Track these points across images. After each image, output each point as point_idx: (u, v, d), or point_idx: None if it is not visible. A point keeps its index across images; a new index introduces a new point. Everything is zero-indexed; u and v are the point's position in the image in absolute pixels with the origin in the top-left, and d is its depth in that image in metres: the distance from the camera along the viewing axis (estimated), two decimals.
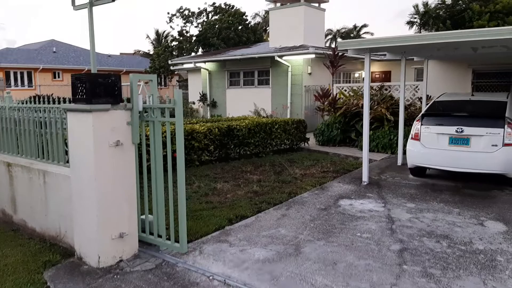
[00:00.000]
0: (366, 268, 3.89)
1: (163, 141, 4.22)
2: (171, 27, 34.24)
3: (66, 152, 4.58)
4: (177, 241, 4.23)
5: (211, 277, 3.75)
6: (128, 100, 4.12)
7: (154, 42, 40.30)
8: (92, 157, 3.82)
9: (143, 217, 4.50)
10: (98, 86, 3.79)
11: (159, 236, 4.36)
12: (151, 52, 37.98)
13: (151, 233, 4.44)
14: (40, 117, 4.87)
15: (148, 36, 40.97)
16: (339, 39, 45.38)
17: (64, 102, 4.85)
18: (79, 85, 3.83)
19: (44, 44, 33.83)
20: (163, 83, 34.73)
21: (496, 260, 4.02)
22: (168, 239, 4.29)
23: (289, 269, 3.89)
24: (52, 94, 15.86)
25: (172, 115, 3.94)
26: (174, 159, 4.16)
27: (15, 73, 28.60)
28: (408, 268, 3.87)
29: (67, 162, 4.58)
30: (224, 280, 3.69)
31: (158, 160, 4.22)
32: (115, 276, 3.82)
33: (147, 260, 4.15)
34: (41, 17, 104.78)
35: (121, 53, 42.93)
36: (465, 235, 4.69)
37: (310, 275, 3.76)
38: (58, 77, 30.58)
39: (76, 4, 4.40)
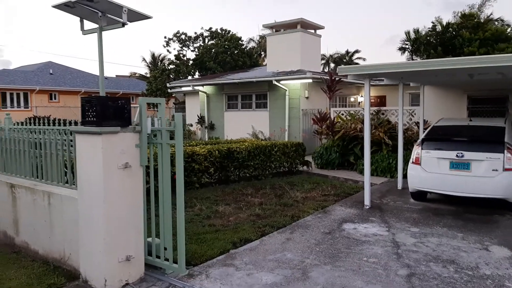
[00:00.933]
0: None
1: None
2: (168, 50, 34.66)
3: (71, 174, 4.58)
4: (175, 262, 4.19)
5: None
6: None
7: (150, 65, 40.67)
8: (101, 179, 3.82)
9: (149, 239, 4.46)
10: (108, 109, 3.83)
11: (166, 259, 4.31)
12: (148, 75, 38.33)
13: (157, 256, 4.39)
14: (46, 139, 4.87)
15: (144, 59, 41.22)
16: (332, 64, 46.25)
17: (64, 124, 4.90)
18: (89, 108, 3.86)
19: (41, 65, 33.96)
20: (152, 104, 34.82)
21: (505, 285, 4.02)
22: (175, 262, 4.24)
23: None
24: (49, 116, 15.84)
25: (173, 137, 3.98)
26: (173, 181, 4.17)
27: (11, 94, 28.56)
28: None
29: (73, 184, 4.58)
30: None
31: (166, 182, 4.22)
32: None
33: (153, 283, 4.10)
34: (37, 38, 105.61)
35: (117, 75, 43.19)
36: (471, 260, 4.69)
37: None
38: (55, 98, 30.59)
39: (85, 29, 4.48)
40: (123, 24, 4.05)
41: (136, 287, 4.02)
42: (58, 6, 4.01)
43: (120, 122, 3.86)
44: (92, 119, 3.77)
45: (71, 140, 4.49)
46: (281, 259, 4.72)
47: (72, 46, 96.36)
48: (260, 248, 5.13)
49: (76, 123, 5.01)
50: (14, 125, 5.91)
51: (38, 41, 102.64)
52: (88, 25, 4.41)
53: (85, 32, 4.40)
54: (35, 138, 5.05)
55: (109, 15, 4.11)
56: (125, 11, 3.93)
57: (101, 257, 3.92)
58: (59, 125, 4.92)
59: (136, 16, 4.13)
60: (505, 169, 6.36)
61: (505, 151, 6.42)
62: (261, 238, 5.50)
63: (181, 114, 4.14)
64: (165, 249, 4.31)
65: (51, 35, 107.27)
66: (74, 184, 4.54)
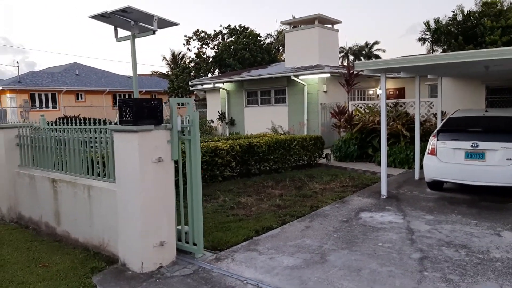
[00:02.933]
0: (388, 274, 4.18)
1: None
2: (188, 49, 35.21)
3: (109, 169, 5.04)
4: (206, 247, 4.60)
5: (244, 281, 4.09)
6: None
7: (170, 63, 41.48)
8: (138, 172, 4.25)
9: (179, 227, 4.88)
10: (142, 109, 4.25)
11: (194, 244, 4.73)
12: (169, 73, 39.11)
13: (186, 242, 4.81)
14: (85, 137, 5.35)
15: (164, 58, 42.11)
16: (351, 57, 45.97)
17: (94, 123, 5.41)
18: (125, 108, 4.29)
19: (67, 67, 35.15)
20: (180, 103, 35.49)
21: None
22: (206, 248, 4.64)
23: (316, 275, 4.20)
24: (79, 115, 16.59)
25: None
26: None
27: (39, 95, 29.76)
28: (429, 274, 4.15)
29: (110, 177, 5.04)
30: (257, 284, 4.02)
31: (194, 174, 4.63)
32: (157, 280, 4.19)
33: (184, 266, 4.52)
34: (59, 40, 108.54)
35: (138, 74, 44.21)
36: (483, 244, 4.93)
37: (337, 280, 4.07)
38: (81, 98, 31.68)
39: (119, 37, 4.92)
40: (154, 32, 4.47)
41: (169, 270, 4.45)
42: (94, 17, 4.44)
43: (153, 120, 4.28)
44: (129, 118, 4.20)
45: (108, 138, 4.94)
46: (300, 245, 5.08)
47: (93, 47, 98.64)
48: (281, 235, 5.49)
49: (105, 122, 5.47)
50: (48, 125, 6.45)
51: (60, 43, 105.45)
52: (122, 33, 4.84)
53: (119, 39, 4.84)
54: (75, 137, 5.54)
55: (140, 24, 4.52)
56: (155, 19, 4.33)
57: (138, 243, 4.37)
58: (89, 124, 5.42)
59: (165, 23, 4.52)
60: None
61: None
62: (281, 226, 5.87)
63: (197, 112, 4.55)
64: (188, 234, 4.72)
65: (73, 37, 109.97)
66: (111, 178, 5.00)
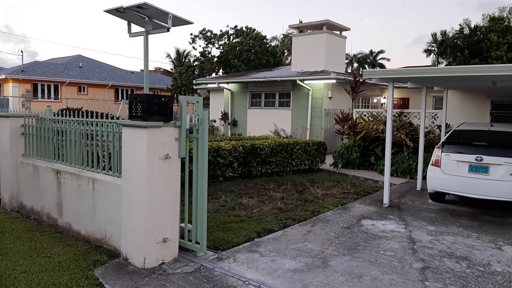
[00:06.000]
0: (390, 282, 4.18)
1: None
2: (193, 47, 35.30)
3: (115, 163, 5.05)
4: (197, 242, 4.60)
5: (246, 282, 4.09)
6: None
7: (174, 60, 41.54)
8: (145, 168, 4.25)
9: (182, 225, 4.88)
10: (152, 105, 4.25)
11: (197, 243, 4.73)
12: (172, 71, 39.14)
13: (189, 240, 4.81)
14: (92, 130, 5.35)
15: (169, 55, 42.17)
16: (355, 64, 46.07)
17: (96, 116, 5.43)
18: (136, 103, 4.30)
19: (71, 59, 35.17)
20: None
21: None
22: (207, 246, 4.64)
23: (318, 279, 4.20)
24: (81, 108, 16.58)
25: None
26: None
27: (42, 86, 29.75)
28: (430, 284, 4.15)
29: (116, 171, 5.04)
30: (259, 285, 4.02)
31: (201, 173, 4.63)
32: (159, 276, 4.19)
33: (186, 264, 4.52)
34: (62, 31, 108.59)
35: (141, 70, 44.19)
36: (484, 257, 4.94)
37: (338, 285, 4.07)
38: (84, 91, 31.67)
39: (132, 32, 4.93)
40: (168, 29, 4.48)
41: (171, 266, 4.45)
42: (109, 11, 4.45)
43: (163, 117, 4.29)
44: (139, 114, 4.21)
45: (116, 132, 4.94)
46: (302, 249, 5.08)
47: (97, 41, 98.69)
48: (282, 238, 5.50)
49: (107, 116, 5.47)
50: (54, 116, 6.46)
51: (64, 34, 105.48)
52: (134, 28, 4.85)
53: (132, 35, 4.84)
54: (82, 129, 5.54)
55: (155, 20, 4.53)
56: (170, 17, 4.34)
57: (141, 238, 4.37)
58: (92, 117, 5.43)
59: (179, 21, 4.53)
60: None
61: None
62: (283, 229, 5.87)
63: (207, 111, 4.55)
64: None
65: (78, 29, 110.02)
66: (117, 172, 5.01)
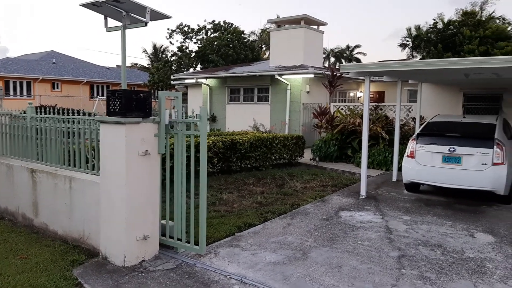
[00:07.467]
0: (368, 271, 4.29)
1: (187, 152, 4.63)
2: (170, 42, 34.92)
3: (92, 161, 4.98)
4: (196, 244, 4.59)
5: (228, 276, 4.12)
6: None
7: (151, 56, 40.96)
8: (124, 164, 4.21)
9: (163, 221, 4.87)
10: (131, 101, 4.21)
11: (179, 239, 4.72)
12: (149, 66, 38.60)
13: (171, 237, 4.80)
14: (68, 128, 5.25)
15: (145, 50, 41.54)
16: (332, 59, 46.53)
17: (72, 113, 5.34)
18: (113, 99, 4.24)
19: (44, 55, 34.21)
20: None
21: (485, 266, 4.45)
22: (188, 242, 4.64)
23: (298, 271, 4.27)
24: (55, 105, 16.19)
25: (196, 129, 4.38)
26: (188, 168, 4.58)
27: (14, 83, 28.82)
28: (406, 272, 4.28)
29: (93, 169, 4.98)
30: (241, 279, 4.06)
31: (181, 169, 4.62)
32: (140, 274, 4.17)
33: (167, 260, 4.51)
34: (34, 26, 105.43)
35: (117, 66, 43.37)
36: (457, 244, 5.12)
37: (318, 276, 4.15)
38: (57, 88, 30.86)
39: (108, 26, 4.84)
40: (146, 24, 4.42)
41: (152, 264, 4.43)
42: (85, 5, 4.36)
43: (141, 113, 4.25)
44: (117, 110, 4.16)
45: (93, 129, 4.87)
46: (282, 242, 5.15)
47: (72, 35, 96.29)
48: (263, 231, 5.55)
49: (84, 113, 5.39)
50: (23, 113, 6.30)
51: (36, 29, 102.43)
52: (112, 23, 4.77)
53: (108, 29, 4.76)
54: (57, 127, 5.43)
55: (132, 15, 4.47)
56: (148, 11, 4.28)
57: (121, 236, 4.33)
58: (68, 115, 5.33)
59: (157, 15, 4.48)
60: (494, 163, 6.78)
61: (495, 146, 6.84)
62: (263, 223, 5.92)
63: (205, 108, 4.51)
64: (187, 232, 4.72)
65: (50, 23, 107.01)
66: (94, 170, 4.94)
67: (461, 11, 26.36)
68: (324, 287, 3.90)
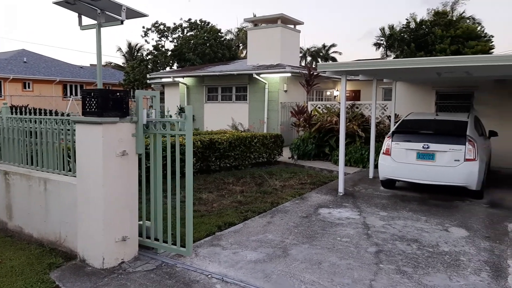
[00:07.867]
0: (347, 267, 4.37)
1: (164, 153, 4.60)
2: (146, 41, 34.44)
3: (68, 162, 4.88)
4: (183, 246, 4.53)
5: (209, 276, 4.11)
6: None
7: (126, 54, 40.25)
8: (101, 165, 4.14)
9: (140, 222, 4.81)
10: (108, 100, 4.14)
11: (156, 239, 4.68)
12: (124, 65, 37.93)
13: (148, 237, 4.75)
14: (42, 128, 5.12)
15: (120, 49, 40.77)
16: (309, 58, 46.90)
17: (44, 114, 5.21)
18: (89, 99, 4.16)
19: (14, 53, 33.13)
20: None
21: (460, 259, 4.60)
22: (174, 244, 4.57)
23: (279, 268, 4.31)
24: (27, 105, 15.73)
25: (172, 128, 4.35)
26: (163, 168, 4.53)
27: None
28: (384, 267, 4.38)
29: (69, 170, 4.87)
30: (222, 278, 4.06)
31: (158, 169, 4.58)
32: (119, 276, 4.11)
33: (147, 262, 4.47)
34: (6, 22, 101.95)
35: (91, 65, 42.43)
36: (432, 239, 5.27)
37: (299, 273, 4.20)
38: (29, 87, 29.97)
39: (83, 25, 4.74)
40: (122, 22, 4.35)
41: (132, 265, 4.38)
42: (59, 3, 4.26)
43: (118, 113, 4.19)
44: (93, 109, 4.08)
45: (68, 130, 4.76)
46: (263, 240, 5.17)
47: (44, 34, 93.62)
48: (243, 230, 5.56)
49: (57, 114, 5.27)
50: None
51: (6, 27, 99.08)
52: (86, 21, 4.67)
53: (83, 27, 4.66)
54: (31, 128, 5.28)
55: (107, 13, 4.39)
56: (124, 9, 4.22)
57: (99, 238, 4.26)
58: (40, 115, 5.20)
59: (133, 14, 4.42)
60: (466, 160, 7.01)
61: (467, 143, 7.06)
62: (244, 221, 5.94)
63: (190, 107, 4.45)
64: (173, 234, 4.67)
65: (22, 21, 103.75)
66: (70, 171, 4.83)
67: (433, 11, 27.05)
68: (305, 284, 3.95)
